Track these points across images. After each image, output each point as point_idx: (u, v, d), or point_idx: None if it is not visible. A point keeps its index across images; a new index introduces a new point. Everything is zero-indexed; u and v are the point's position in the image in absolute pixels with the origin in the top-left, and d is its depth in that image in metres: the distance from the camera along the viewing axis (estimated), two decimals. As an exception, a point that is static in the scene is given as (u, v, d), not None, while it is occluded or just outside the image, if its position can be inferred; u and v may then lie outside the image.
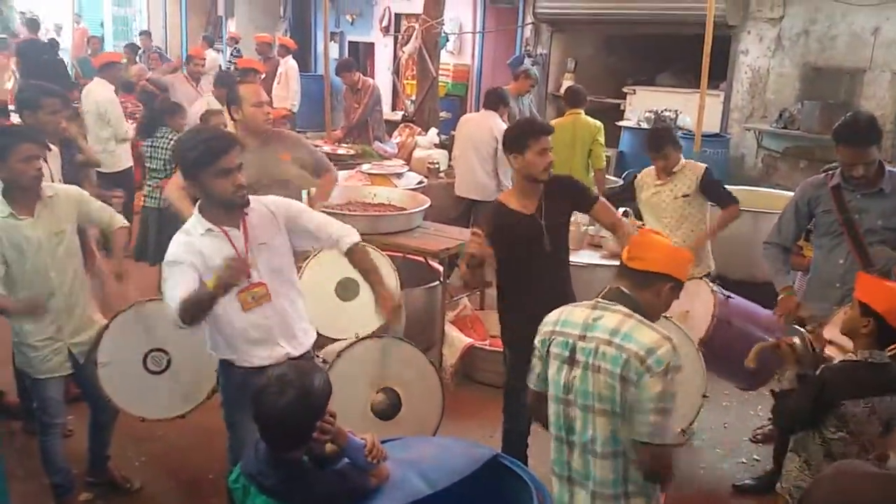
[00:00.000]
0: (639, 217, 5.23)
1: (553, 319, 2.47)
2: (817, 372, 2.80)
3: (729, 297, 4.10)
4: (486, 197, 6.52)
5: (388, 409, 3.77)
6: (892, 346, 2.79)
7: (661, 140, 4.77)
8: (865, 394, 2.67)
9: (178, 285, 2.75)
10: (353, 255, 3.16)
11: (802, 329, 3.13)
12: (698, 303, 4.07)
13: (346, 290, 4.34)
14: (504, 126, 6.37)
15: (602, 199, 3.79)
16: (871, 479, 1.49)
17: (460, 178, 6.98)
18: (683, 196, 4.74)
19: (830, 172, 3.86)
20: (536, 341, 2.49)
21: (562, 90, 10.82)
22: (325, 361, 3.77)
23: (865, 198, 3.67)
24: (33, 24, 12.52)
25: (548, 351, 2.44)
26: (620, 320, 2.29)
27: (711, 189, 4.74)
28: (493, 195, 5.88)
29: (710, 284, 4.21)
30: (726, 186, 4.97)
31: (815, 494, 1.57)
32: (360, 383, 3.74)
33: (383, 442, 2.40)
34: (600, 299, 2.39)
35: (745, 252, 5.60)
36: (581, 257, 5.38)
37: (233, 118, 4.31)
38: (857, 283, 2.85)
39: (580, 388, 2.32)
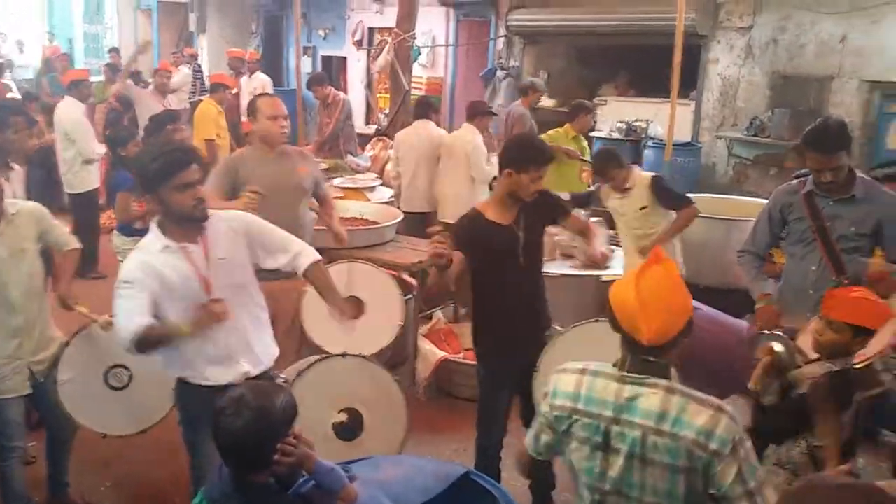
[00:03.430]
0: (612, 226, 5.26)
1: (569, 393, 2.14)
2: (803, 389, 2.76)
3: (696, 307, 4.07)
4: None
5: (351, 429, 3.72)
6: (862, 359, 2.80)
7: (601, 164, 5.00)
8: (850, 402, 2.66)
9: (133, 312, 2.71)
10: (310, 274, 3.14)
11: (783, 336, 3.08)
12: None
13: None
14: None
15: (573, 211, 3.79)
16: (838, 490, 1.46)
17: (414, 192, 6.79)
18: (642, 209, 4.82)
19: (803, 179, 3.86)
20: (546, 412, 2.19)
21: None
22: (285, 381, 3.71)
23: (838, 204, 3.67)
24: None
25: (568, 429, 2.14)
26: (663, 400, 2.01)
27: (663, 195, 4.81)
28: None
29: None
30: (695, 193, 5.01)
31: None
32: (321, 403, 3.70)
33: (352, 462, 2.36)
34: (626, 372, 2.08)
35: (716, 259, 5.62)
36: (552, 267, 5.36)
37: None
38: (838, 305, 2.77)
39: (625, 480, 2.06)
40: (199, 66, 12.36)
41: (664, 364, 2.08)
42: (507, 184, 3.46)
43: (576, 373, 2.16)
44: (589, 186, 6.32)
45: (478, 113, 6.76)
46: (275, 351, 3.17)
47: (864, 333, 2.67)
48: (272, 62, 14.06)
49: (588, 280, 5.44)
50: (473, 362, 4.67)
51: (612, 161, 4.91)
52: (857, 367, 2.79)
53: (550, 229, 5.20)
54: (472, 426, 3.82)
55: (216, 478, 2.23)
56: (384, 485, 2.34)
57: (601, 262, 5.24)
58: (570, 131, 6.91)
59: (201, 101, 8.47)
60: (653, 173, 4.93)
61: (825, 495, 1.47)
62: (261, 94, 4.87)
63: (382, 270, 4.45)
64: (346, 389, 3.74)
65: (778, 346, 2.89)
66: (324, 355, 3.84)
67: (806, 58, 8.41)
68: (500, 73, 11.02)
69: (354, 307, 3.25)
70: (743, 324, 3.96)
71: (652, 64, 9.13)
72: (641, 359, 2.06)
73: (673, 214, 4.88)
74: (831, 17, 8.16)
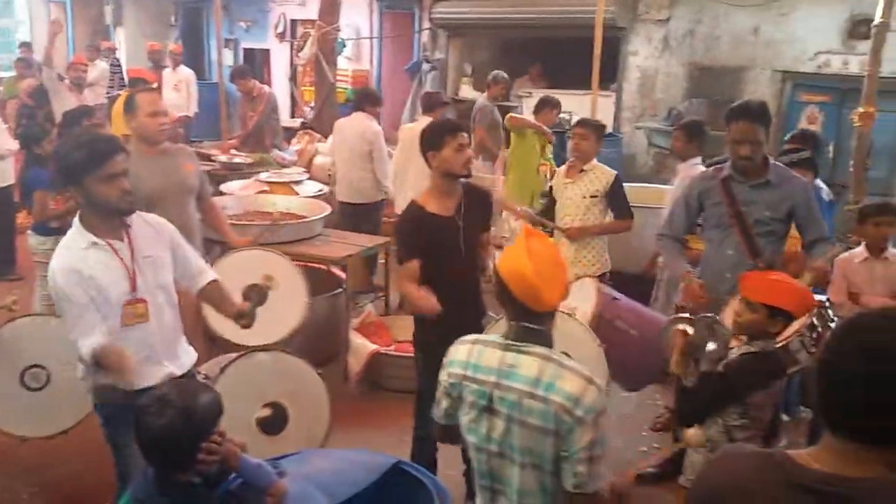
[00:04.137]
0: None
1: (462, 360, 2.26)
2: (720, 369, 2.87)
3: (616, 298, 4.17)
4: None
5: (275, 424, 3.71)
6: (781, 339, 2.92)
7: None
8: (768, 384, 2.79)
9: (87, 331, 2.66)
10: (205, 293, 3.13)
11: (686, 316, 3.17)
12: (585, 302, 4.13)
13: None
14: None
15: (491, 229, 3.88)
16: (750, 458, 1.54)
17: (343, 183, 6.78)
18: (591, 196, 4.87)
19: (720, 166, 3.98)
20: (443, 379, 2.30)
21: (460, 94, 10.96)
22: (206, 377, 3.66)
23: (753, 190, 3.78)
24: None
25: (459, 395, 2.25)
26: (540, 367, 2.11)
27: (617, 196, 4.89)
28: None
29: (599, 284, 4.29)
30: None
31: (702, 479, 1.63)
32: (244, 399, 3.66)
33: (281, 458, 2.36)
34: (511, 341, 2.19)
35: (640, 247, 5.76)
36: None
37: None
38: (754, 286, 2.87)
39: (505, 441, 2.16)
40: (118, 59, 12.01)
41: (545, 332, 2.19)
42: (437, 167, 3.53)
43: (469, 343, 2.28)
44: (546, 178, 6.42)
45: (435, 105, 6.78)
46: (195, 353, 3.14)
47: (779, 314, 2.77)
48: (193, 55, 13.74)
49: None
50: (405, 354, 4.70)
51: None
52: (777, 346, 2.93)
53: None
54: (405, 418, 3.86)
55: (141, 478, 2.20)
56: (314, 479, 2.35)
57: None
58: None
59: (119, 95, 8.24)
60: (615, 173, 5.00)
61: (739, 462, 1.56)
62: (140, 89, 4.74)
63: (283, 255, 4.34)
64: (268, 384, 3.72)
65: (689, 329, 2.98)
66: (245, 351, 3.79)
67: (721, 49, 8.69)
68: (425, 66, 11.04)
69: (252, 313, 3.22)
70: (661, 317, 4.05)
71: (574, 56, 9.29)
72: (525, 327, 2.17)
73: (609, 217, 4.98)
74: (744, 10, 8.45)
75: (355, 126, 6.56)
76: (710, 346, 2.93)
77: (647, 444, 4.56)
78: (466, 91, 10.94)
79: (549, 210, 5.18)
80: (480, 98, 8.00)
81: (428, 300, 3.39)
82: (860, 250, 4.17)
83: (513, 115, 6.95)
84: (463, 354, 2.27)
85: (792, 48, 8.32)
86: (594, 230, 4.90)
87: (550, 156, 6.72)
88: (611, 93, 9.36)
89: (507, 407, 2.14)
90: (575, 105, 9.41)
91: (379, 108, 6.76)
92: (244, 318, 3.11)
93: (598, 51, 6.47)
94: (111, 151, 2.77)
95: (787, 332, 2.98)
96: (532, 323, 2.17)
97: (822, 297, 3.47)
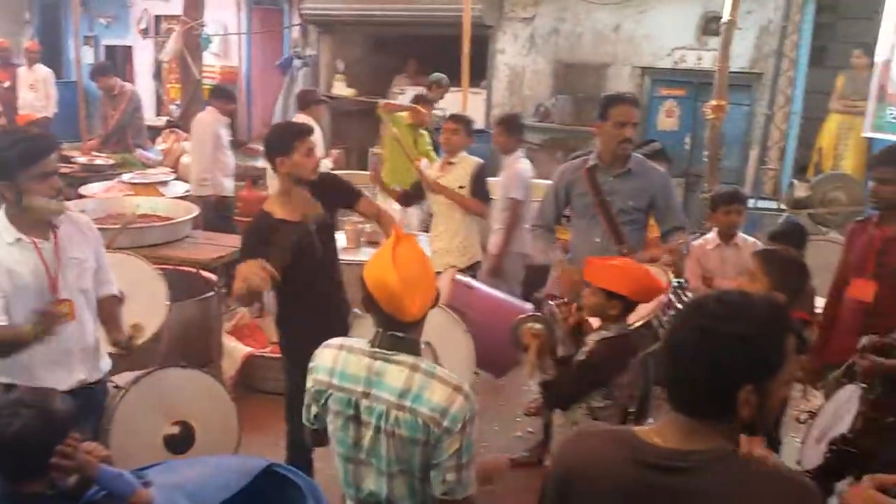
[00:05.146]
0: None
1: (327, 368, 2.20)
2: (581, 356, 2.97)
3: (470, 287, 4.25)
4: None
5: (182, 442, 3.58)
6: (637, 321, 3.07)
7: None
8: (626, 365, 2.91)
9: None
10: (102, 303, 3.05)
11: (532, 313, 3.27)
12: (441, 293, 4.16)
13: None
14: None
15: (365, 193, 3.85)
16: (600, 437, 1.62)
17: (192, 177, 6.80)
18: (461, 187, 4.95)
19: (585, 158, 4.13)
20: (310, 386, 2.24)
21: (333, 91, 10.87)
22: (117, 387, 3.52)
23: (616, 179, 3.94)
24: None
25: (325, 402, 2.20)
26: (407, 377, 2.08)
27: (477, 184, 4.98)
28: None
29: (455, 275, 4.36)
30: (489, 178, 5.23)
31: (557, 460, 1.70)
32: (154, 414, 3.52)
33: (146, 468, 2.29)
34: (378, 348, 2.15)
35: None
36: (360, 255, 5.41)
37: None
38: (591, 271, 2.99)
39: (373, 450, 2.13)
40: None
41: (413, 340, 2.15)
42: (287, 172, 3.47)
43: (334, 348, 2.22)
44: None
45: (310, 102, 6.76)
46: (109, 361, 3.07)
47: (616, 297, 2.88)
48: (50, 52, 13.02)
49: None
50: (280, 356, 4.63)
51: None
52: (633, 328, 3.07)
53: (353, 217, 5.28)
54: (282, 420, 3.81)
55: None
56: (182, 487, 2.30)
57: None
58: (407, 119, 7.01)
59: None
60: (481, 161, 5.09)
61: (590, 441, 1.64)
62: None
63: (143, 259, 4.20)
64: (179, 401, 3.58)
65: (537, 326, 3.07)
66: (158, 366, 3.66)
67: (584, 47, 9.00)
68: (297, 62, 10.89)
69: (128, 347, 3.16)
70: (521, 304, 4.15)
71: (445, 54, 9.39)
72: (392, 335, 2.12)
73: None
74: (605, 8, 8.79)
75: (199, 121, 6.63)
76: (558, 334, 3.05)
77: (522, 430, 4.69)
78: (340, 88, 10.86)
79: (416, 195, 5.27)
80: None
81: (259, 270, 3.18)
82: (712, 237, 4.43)
83: (387, 101, 6.96)
84: (328, 361, 2.20)
85: (650, 45, 8.73)
86: (452, 194, 4.96)
87: (430, 148, 6.79)
88: (481, 90, 9.52)
89: (375, 417, 2.10)
90: (447, 102, 9.53)
91: (230, 105, 6.75)
92: (119, 348, 3.08)
93: (466, 48, 6.59)
94: (48, 149, 2.74)
95: (644, 312, 3.14)
96: (399, 331, 2.12)
97: (680, 280, 3.68)
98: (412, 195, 5.35)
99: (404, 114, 6.47)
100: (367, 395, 2.11)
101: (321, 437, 2.32)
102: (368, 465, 2.15)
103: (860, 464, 2.47)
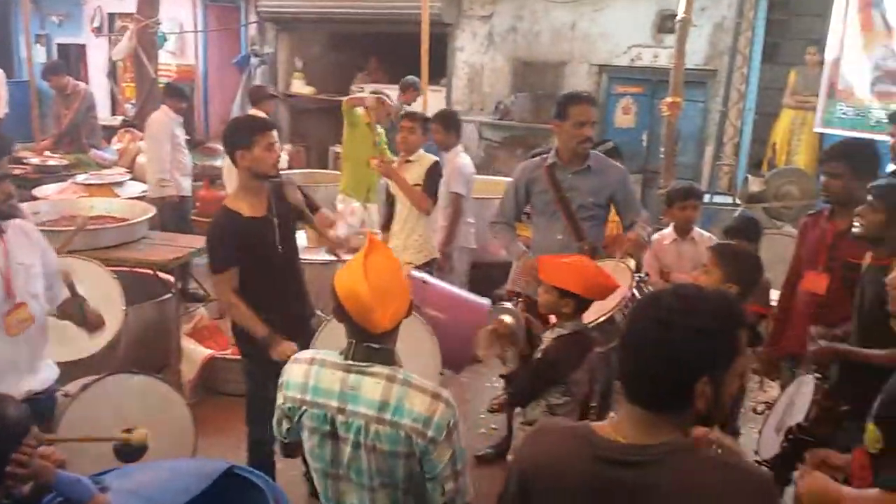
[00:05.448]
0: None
1: (299, 383, 2.13)
2: (539, 353, 2.99)
3: (426, 282, 4.23)
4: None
5: (133, 450, 3.51)
6: (595, 319, 3.09)
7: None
8: (581, 361, 2.92)
9: None
10: (63, 305, 3.01)
11: (511, 306, 3.30)
12: None
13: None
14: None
15: (322, 209, 3.87)
16: (559, 434, 1.64)
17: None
18: (417, 185, 4.97)
19: (545, 156, 4.16)
20: (281, 404, 2.18)
21: (291, 90, 10.80)
22: (66, 395, 3.44)
23: (575, 176, 3.97)
24: None
25: (299, 419, 2.13)
26: (385, 389, 2.03)
27: (430, 181, 5.00)
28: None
29: (411, 271, 4.36)
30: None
31: (519, 456, 1.72)
32: (103, 422, 3.41)
33: (103, 473, 2.25)
34: (352, 361, 2.09)
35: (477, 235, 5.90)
36: (322, 254, 5.37)
37: None
38: (544, 269, 3.01)
39: (352, 465, 2.08)
40: None
41: (388, 350, 2.11)
42: (247, 167, 3.43)
43: (305, 363, 2.16)
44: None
45: (262, 98, 6.78)
46: (56, 370, 3.00)
47: (568, 295, 2.89)
48: (0, 52, 12.77)
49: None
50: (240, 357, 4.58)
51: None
52: (594, 324, 3.10)
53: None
54: (244, 422, 3.77)
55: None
56: (139, 492, 2.26)
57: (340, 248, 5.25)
58: (366, 117, 6.97)
59: None
60: (436, 158, 5.10)
61: (550, 438, 1.65)
62: None
63: (97, 263, 4.13)
64: (129, 408, 3.49)
65: (508, 318, 3.08)
66: (108, 373, 3.56)
67: (542, 44, 9.06)
68: (254, 60, 10.79)
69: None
70: (476, 299, 4.15)
71: (405, 51, 9.39)
72: (366, 346, 2.08)
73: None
74: (562, 6, 8.85)
75: (153, 121, 6.60)
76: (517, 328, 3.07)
77: (486, 427, 4.71)
78: (298, 86, 10.79)
79: (391, 208, 5.26)
80: (396, 98, 7.94)
81: (259, 325, 3.36)
82: (669, 231, 4.49)
83: (350, 96, 6.90)
84: (300, 376, 2.13)
85: (607, 43, 8.81)
86: (399, 180, 4.99)
87: (385, 146, 6.76)
88: (441, 87, 9.53)
89: (353, 433, 2.05)
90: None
91: (182, 104, 6.73)
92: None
93: (425, 46, 6.59)
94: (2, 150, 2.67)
95: (609, 306, 3.17)
96: (373, 342, 2.07)
97: (641, 274, 3.73)
98: None
99: (362, 112, 6.45)
100: (342, 410, 2.06)
101: (293, 449, 2.29)
102: (348, 479, 2.11)
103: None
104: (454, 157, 5.37)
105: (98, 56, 12.59)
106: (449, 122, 5.44)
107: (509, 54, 9.24)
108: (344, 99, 6.38)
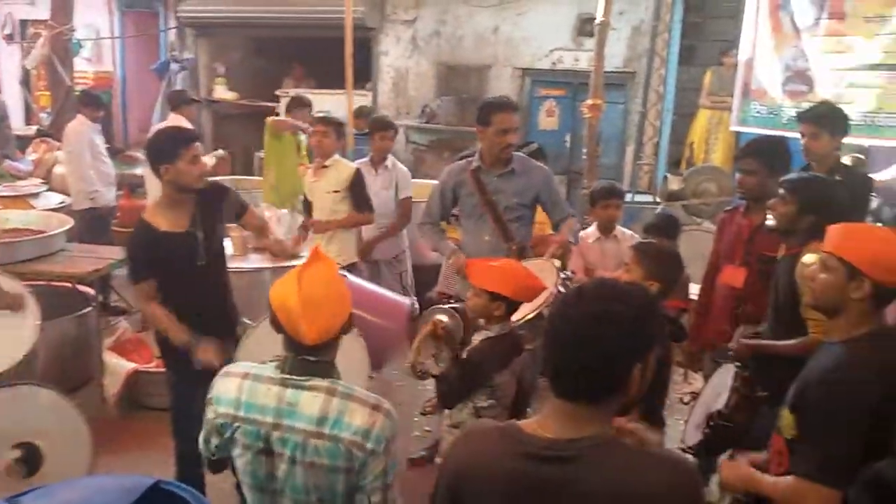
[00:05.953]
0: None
1: (231, 398, 2.08)
2: (465, 355, 2.99)
3: (343, 276, 4.20)
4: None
5: (27, 465, 3.38)
6: (521, 318, 3.12)
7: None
8: (507, 363, 2.94)
9: None
10: None
11: (447, 307, 3.31)
12: None
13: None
14: None
15: (251, 206, 3.80)
16: (487, 434, 1.65)
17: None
18: (334, 191, 4.96)
19: (470, 159, 4.20)
20: (210, 418, 2.13)
21: (214, 95, 10.60)
22: None
23: (500, 179, 4.03)
24: None
25: (231, 435, 2.09)
26: (324, 403, 2.00)
27: (355, 192, 5.01)
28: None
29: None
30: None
31: (448, 459, 1.72)
32: None
33: (22, 494, 2.16)
34: (288, 375, 2.05)
35: (410, 240, 5.91)
36: (249, 262, 5.30)
37: None
38: (473, 273, 3.02)
39: (289, 481, 2.05)
40: None
41: (327, 362, 2.08)
42: (171, 180, 3.36)
43: (238, 377, 2.12)
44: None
45: (181, 102, 6.68)
46: None
47: (499, 298, 2.91)
48: None
49: (280, 272, 5.41)
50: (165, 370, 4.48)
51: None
52: (523, 321, 3.13)
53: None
54: (171, 435, 3.69)
55: None
56: (61, 511, 2.18)
57: (283, 252, 5.22)
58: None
59: None
60: (357, 166, 5.08)
61: (478, 439, 1.67)
62: None
63: (10, 277, 3.99)
64: (16, 422, 3.36)
65: (443, 318, 3.10)
66: None
67: (465, 48, 9.13)
68: (174, 66, 10.55)
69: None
70: (398, 298, 4.14)
71: (330, 56, 9.32)
72: (303, 359, 2.05)
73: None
74: (485, 11, 8.93)
75: (71, 131, 6.50)
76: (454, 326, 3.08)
77: (419, 429, 4.72)
78: (221, 91, 10.60)
79: (309, 208, 5.20)
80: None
81: (180, 331, 3.32)
82: (593, 230, 4.58)
83: (273, 118, 6.79)
84: (232, 391, 2.09)
85: (529, 46, 8.93)
86: (334, 224, 5.01)
87: (305, 154, 6.70)
88: (367, 92, 9.50)
89: (289, 448, 2.02)
90: (333, 104, 9.44)
91: (98, 112, 6.65)
92: None
93: (349, 50, 6.56)
94: None
95: (536, 304, 3.21)
96: (309, 355, 2.04)
97: (567, 272, 3.79)
98: None
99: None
100: (277, 426, 2.02)
101: (221, 465, 2.25)
102: (283, 495, 2.08)
103: (736, 437, 2.62)
104: (394, 161, 5.55)
105: (10, 64, 12.15)
106: (340, 129, 5.37)
107: (434, 58, 9.28)
108: (269, 119, 6.33)
